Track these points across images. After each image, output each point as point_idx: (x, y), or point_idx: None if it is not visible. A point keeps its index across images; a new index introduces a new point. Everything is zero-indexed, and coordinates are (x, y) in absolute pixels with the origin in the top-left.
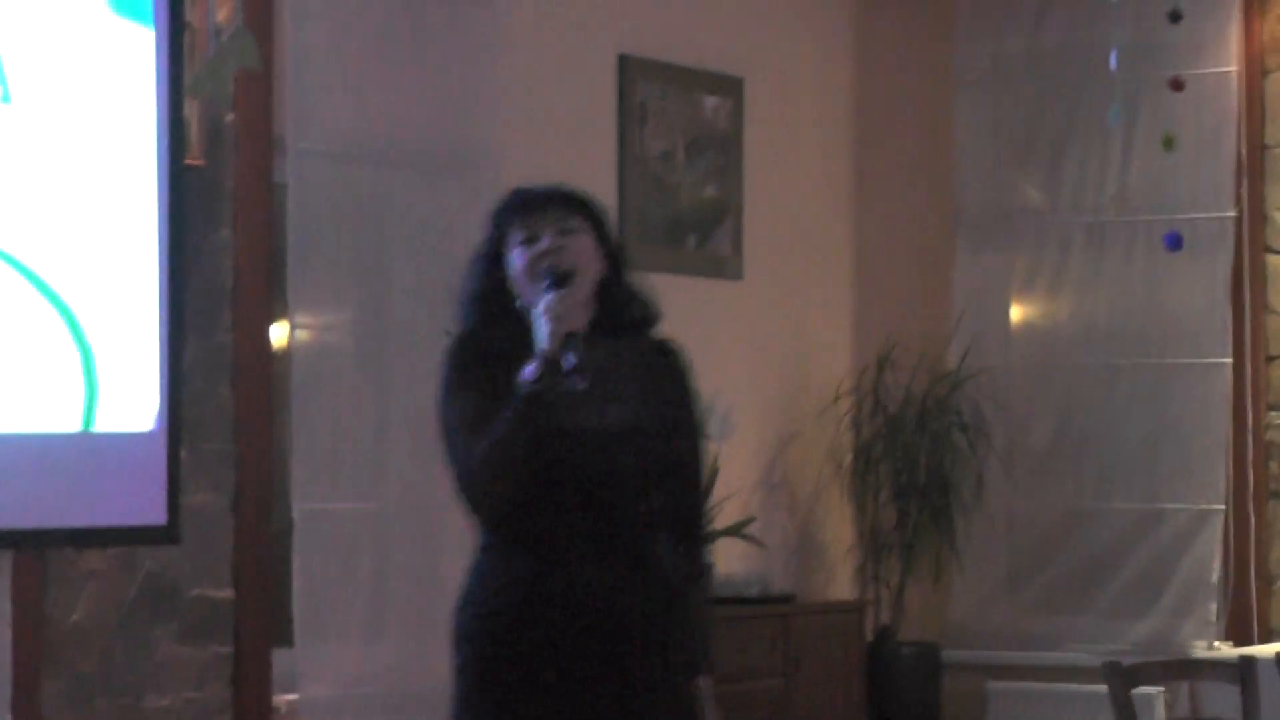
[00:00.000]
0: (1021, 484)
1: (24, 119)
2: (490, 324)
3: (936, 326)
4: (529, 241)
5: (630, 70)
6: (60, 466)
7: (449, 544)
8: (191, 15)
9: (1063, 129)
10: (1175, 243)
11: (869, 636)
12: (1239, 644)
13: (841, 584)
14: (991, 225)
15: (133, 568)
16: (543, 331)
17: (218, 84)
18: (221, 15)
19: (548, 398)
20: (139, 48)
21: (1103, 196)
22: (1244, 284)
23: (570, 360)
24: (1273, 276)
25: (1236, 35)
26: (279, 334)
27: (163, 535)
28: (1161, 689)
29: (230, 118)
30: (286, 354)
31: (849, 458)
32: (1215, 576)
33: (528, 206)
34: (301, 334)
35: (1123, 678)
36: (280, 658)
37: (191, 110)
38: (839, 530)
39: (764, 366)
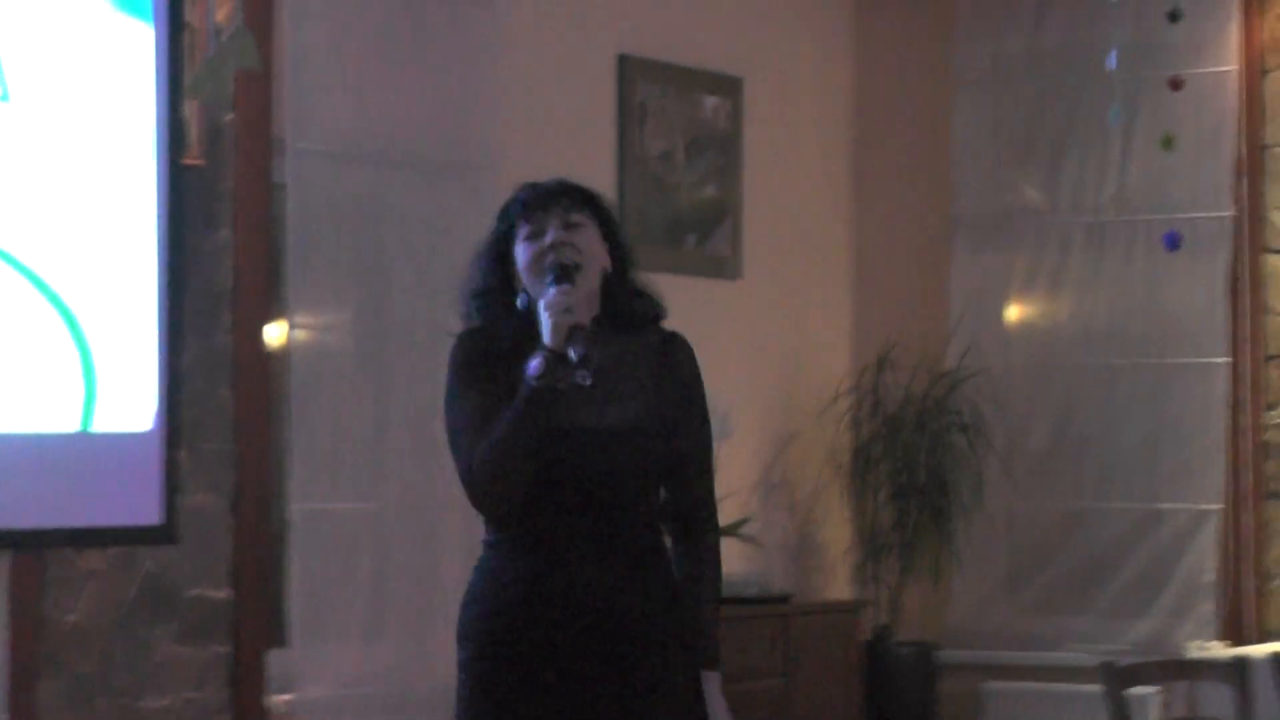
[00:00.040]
0: (1020, 484)
1: (23, 117)
2: (496, 320)
3: (936, 326)
4: (534, 236)
5: (630, 70)
6: (59, 466)
7: (447, 544)
8: (191, 15)
9: (1062, 129)
10: (1174, 242)
11: (867, 636)
12: (1235, 644)
13: (840, 584)
14: (991, 225)
15: (131, 568)
16: (546, 326)
17: (217, 85)
18: (221, 15)
19: (550, 395)
20: (140, 45)
21: (1102, 196)
22: (1242, 284)
23: (574, 354)
24: (1271, 276)
25: (1235, 35)
26: (278, 334)
27: (161, 535)
28: (1158, 689)
29: (229, 118)
30: (285, 354)
31: (848, 458)
32: (1212, 577)
33: (534, 201)
34: (300, 334)
35: (1119, 678)
36: (277, 658)
37: (191, 110)
38: (837, 530)
39: (763, 366)
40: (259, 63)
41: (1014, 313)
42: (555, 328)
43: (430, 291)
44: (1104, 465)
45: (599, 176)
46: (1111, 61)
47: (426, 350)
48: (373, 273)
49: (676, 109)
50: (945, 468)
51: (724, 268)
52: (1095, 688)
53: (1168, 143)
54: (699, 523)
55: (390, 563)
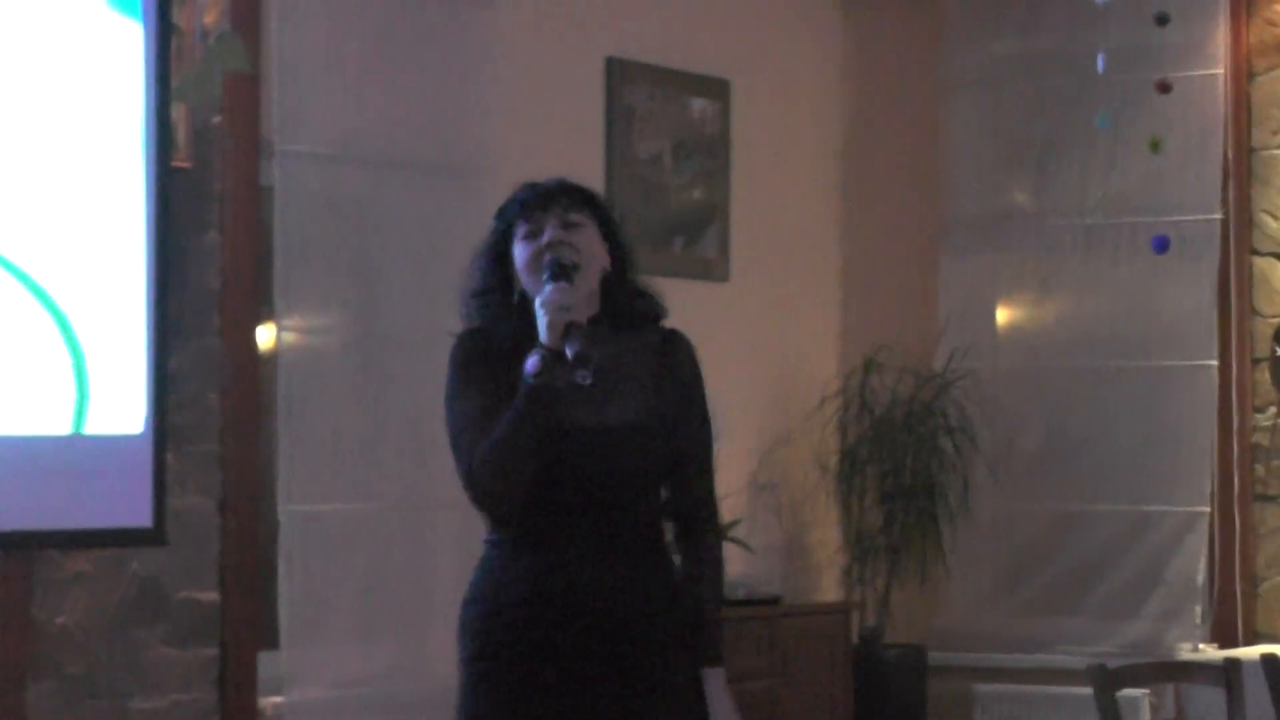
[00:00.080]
0: (1008, 487)
1: (12, 118)
2: (496, 320)
3: (925, 329)
4: (532, 235)
5: (618, 73)
6: (51, 469)
7: (442, 545)
8: (179, 18)
9: (1051, 132)
10: (1163, 245)
11: (855, 639)
12: (1224, 646)
13: (828, 586)
14: (979, 228)
15: (121, 570)
16: (542, 324)
17: (206, 87)
18: (209, 18)
19: (550, 393)
20: (130, 44)
21: (1090, 199)
22: (1231, 287)
23: (571, 352)
24: (1259, 279)
25: (1223, 38)
26: (267, 337)
27: (151, 537)
28: (1146, 691)
29: (218, 120)
30: (274, 357)
31: (835, 460)
32: (1201, 579)
33: (533, 201)
34: (289, 337)
35: (1107, 680)
36: (268, 660)
37: (179, 112)
38: (826, 533)
39: (751, 369)
40: (247, 65)
41: (1003, 315)
42: (551, 325)
43: (420, 293)
44: (1093, 468)
45: (587, 179)
46: (1099, 65)
47: (417, 351)
48: (362, 275)
49: (665, 111)
50: (933, 470)
51: (712, 270)
52: (1085, 690)
53: (1156, 146)
54: (699, 522)
55: (384, 564)
